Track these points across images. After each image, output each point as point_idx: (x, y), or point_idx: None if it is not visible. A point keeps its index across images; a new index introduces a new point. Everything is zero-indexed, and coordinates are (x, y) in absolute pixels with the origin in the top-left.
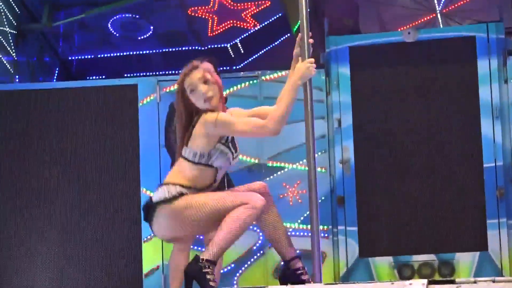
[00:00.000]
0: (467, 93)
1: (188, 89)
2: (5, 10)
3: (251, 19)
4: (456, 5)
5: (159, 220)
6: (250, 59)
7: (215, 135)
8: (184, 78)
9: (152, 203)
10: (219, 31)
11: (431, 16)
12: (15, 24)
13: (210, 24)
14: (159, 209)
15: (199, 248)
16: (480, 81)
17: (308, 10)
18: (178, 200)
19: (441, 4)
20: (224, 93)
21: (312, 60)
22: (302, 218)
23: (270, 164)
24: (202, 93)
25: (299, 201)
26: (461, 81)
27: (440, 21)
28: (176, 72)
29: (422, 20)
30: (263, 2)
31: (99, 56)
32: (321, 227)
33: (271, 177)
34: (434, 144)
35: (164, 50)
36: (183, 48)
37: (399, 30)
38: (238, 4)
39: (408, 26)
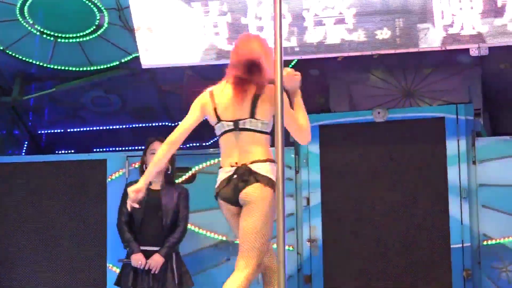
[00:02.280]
0: (436, 173)
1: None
2: None
3: None
4: (426, 86)
5: (262, 194)
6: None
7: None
8: None
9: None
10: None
11: (401, 96)
12: None
13: (180, 100)
14: (268, 188)
15: None
16: (448, 161)
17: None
18: (273, 193)
19: (412, 85)
20: (193, 170)
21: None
22: None
23: (237, 241)
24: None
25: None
26: (430, 161)
27: (410, 101)
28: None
29: (392, 100)
30: None
31: (68, 130)
32: None
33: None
34: (403, 223)
35: (134, 125)
36: (153, 124)
37: (369, 109)
38: (209, 80)
39: (378, 106)
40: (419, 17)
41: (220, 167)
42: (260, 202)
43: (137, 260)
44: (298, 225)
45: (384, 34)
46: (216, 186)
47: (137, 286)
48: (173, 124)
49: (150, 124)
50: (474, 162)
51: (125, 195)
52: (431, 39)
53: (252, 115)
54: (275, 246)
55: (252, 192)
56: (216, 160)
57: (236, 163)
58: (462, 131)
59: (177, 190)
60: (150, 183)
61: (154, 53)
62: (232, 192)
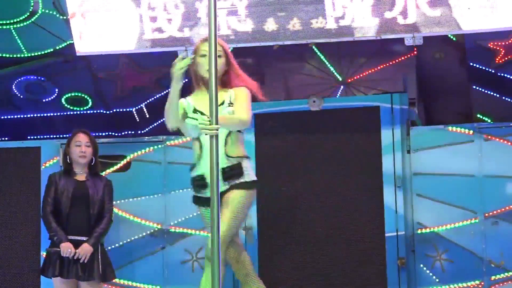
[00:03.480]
0: (371, 162)
1: None
2: None
3: (156, 84)
4: (361, 75)
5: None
6: (155, 124)
7: None
8: None
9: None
10: (124, 95)
11: (337, 85)
12: None
13: (116, 88)
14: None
15: None
16: (383, 150)
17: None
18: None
19: (347, 74)
20: (128, 158)
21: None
22: None
23: (173, 229)
24: None
25: (201, 267)
26: (365, 150)
27: (346, 90)
28: None
29: (328, 89)
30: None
31: (2, 117)
32: None
33: (174, 243)
34: (338, 212)
35: (68, 113)
36: (88, 112)
37: (304, 98)
38: (145, 69)
39: (313, 94)
40: None
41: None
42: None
43: (67, 248)
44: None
45: (319, 23)
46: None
47: (63, 275)
48: (108, 112)
49: (85, 112)
50: (408, 151)
51: (49, 184)
52: (367, 28)
53: None
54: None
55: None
56: (151, 148)
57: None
58: (397, 120)
59: (102, 181)
60: (75, 174)
61: (89, 40)
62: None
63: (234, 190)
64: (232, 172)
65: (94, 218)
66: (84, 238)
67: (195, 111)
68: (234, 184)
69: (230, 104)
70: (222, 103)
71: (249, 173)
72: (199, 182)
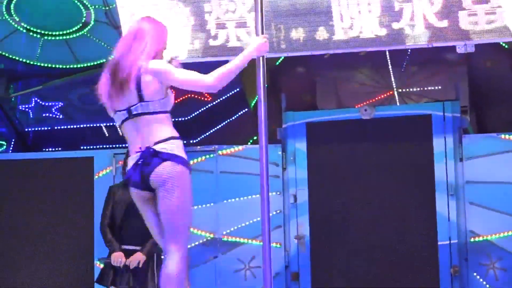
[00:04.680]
0: (423, 171)
1: None
2: None
3: (210, 93)
4: (413, 83)
5: (175, 171)
6: (207, 133)
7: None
8: None
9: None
10: (176, 103)
11: (388, 94)
12: None
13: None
14: (181, 166)
15: None
16: (435, 159)
17: (266, 85)
18: (187, 171)
19: (399, 82)
20: None
21: (267, 35)
22: None
23: (225, 239)
24: None
25: (254, 276)
26: (417, 158)
27: (397, 99)
28: None
29: (379, 97)
30: None
31: (55, 128)
32: None
33: (227, 252)
34: (390, 221)
35: None
36: None
37: (356, 107)
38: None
39: (365, 103)
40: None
41: (129, 156)
42: (176, 180)
43: (117, 257)
44: (285, 222)
45: (370, 32)
46: (125, 174)
47: (116, 285)
48: None
49: None
50: (461, 159)
51: (108, 197)
52: (417, 36)
53: (141, 98)
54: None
55: (162, 171)
56: (203, 158)
57: (140, 147)
58: (449, 129)
59: None
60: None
61: None
62: (140, 177)
63: None
64: None
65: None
66: (138, 248)
67: None
68: None
69: None
70: None
71: None
72: None
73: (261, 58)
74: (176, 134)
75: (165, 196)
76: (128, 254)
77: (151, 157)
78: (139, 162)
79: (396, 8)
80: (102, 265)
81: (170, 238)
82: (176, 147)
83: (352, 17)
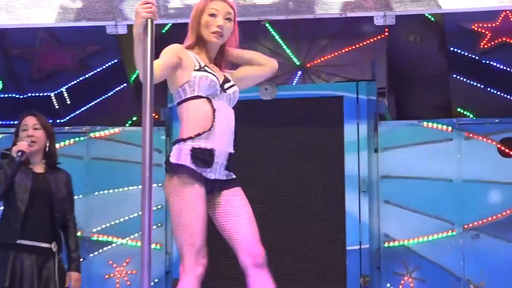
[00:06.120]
0: (332, 162)
1: None
2: None
3: (80, 64)
4: (323, 59)
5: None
6: (77, 112)
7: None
8: None
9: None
10: (41, 76)
11: (293, 70)
12: None
13: (32, 68)
14: (167, 175)
15: None
16: (346, 148)
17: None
18: (172, 177)
19: (306, 57)
20: None
21: (147, 1)
22: None
23: (95, 237)
24: None
25: (128, 283)
26: (325, 147)
27: (303, 76)
28: None
29: (283, 74)
30: (94, 45)
31: None
32: None
33: (96, 253)
34: (291, 218)
35: None
36: None
37: (255, 85)
38: (67, 46)
39: (265, 81)
40: None
41: None
42: (165, 192)
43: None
44: (167, 219)
45: None
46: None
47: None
48: (22, 96)
49: None
50: (376, 150)
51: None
52: (329, 4)
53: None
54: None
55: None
56: (71, 141)
57: None
58: (363, 113)
59: (62, 174)
60: (30, 163)
61: (1, 12)
62: None
63: (239, 188)
64: (232, 162)
65: (58, 222)
66: (44, 245)
67: (205, 68)
68: (234, 179)
69: (234, 84)
70: (228, 80)
71: None
72: (205, 157)
73: (149, 22)
74: (183, 135)
75: None
76: (31, 251)
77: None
78: None
79: None
80: None
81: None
82: (173, 152)
83: None
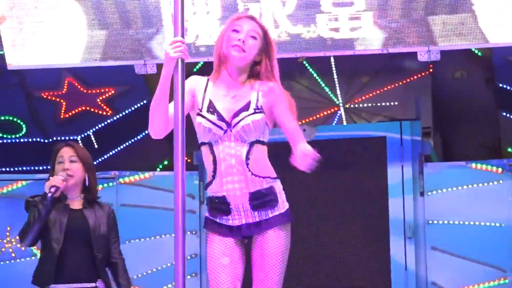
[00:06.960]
0: (375, 206)
1: None
2: None
3: (107, 106)
4: (363, 98)
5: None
6: (105, 156)
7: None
8: None
9: None
10: (67, 120)
11: (333, 110)
12: None
13: (56, 111)
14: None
15: None
16: (390, 192)
17: None
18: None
19: (346, 95)
20: None
21: (177, 39)
22: None
23: None
24: None
25: None
26: (367, 191)
27: (344, 116)
28: (12, 169)
29: (322, 114)
30: (122, 85)
31: None
32: None
33: None
34: (332, 266)
35: None
36: (22, 140)
37: None
38: (93, 87)
39: (303, 122)
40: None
41: None
42: None
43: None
44: (202, 269)
45: (311, 32)
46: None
47: None
48: (46, 141)
49: (18, 140)
50: (421, 194)
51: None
52: (369, 39)
53: None
54: None
55: None
56: (99, 187)
57: None
58: (407, 155)
59: (103, 209)
60: (66, 198)
61: (23, 51)
62: None
63: (275, 229)
64: (264, 199)
65: (99, 261)
66: (88, 285)
67: (209, 107)
68: (270, 219)
69: (258, 110)
70: (246, 108)
71: (284, 200)
72: (219, 205)
73: (179, 62)
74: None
75: None
76: None
77: None
78: None
79: None
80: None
81: None
82: None
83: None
